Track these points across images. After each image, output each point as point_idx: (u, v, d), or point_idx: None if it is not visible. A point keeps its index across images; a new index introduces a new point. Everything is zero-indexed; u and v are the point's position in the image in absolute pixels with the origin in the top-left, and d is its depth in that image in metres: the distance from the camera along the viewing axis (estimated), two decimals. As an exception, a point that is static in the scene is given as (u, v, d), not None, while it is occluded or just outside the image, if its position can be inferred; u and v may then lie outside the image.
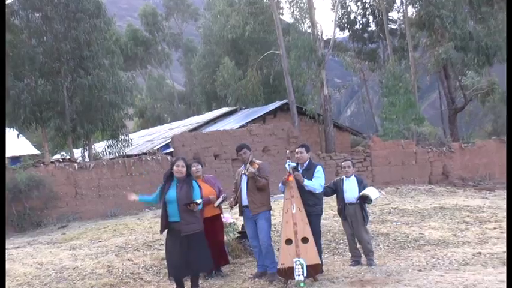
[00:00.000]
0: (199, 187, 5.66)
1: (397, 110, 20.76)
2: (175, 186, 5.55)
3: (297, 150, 6.49)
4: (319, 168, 6.39)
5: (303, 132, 20.52)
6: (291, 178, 6.19)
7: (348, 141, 22.84)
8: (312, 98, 22.56)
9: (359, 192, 6.78)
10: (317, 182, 6.23)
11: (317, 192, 6.23)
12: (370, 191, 6.78)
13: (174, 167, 5.58)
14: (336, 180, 7.02)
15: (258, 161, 6.48)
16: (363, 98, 33.18)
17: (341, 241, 8.26)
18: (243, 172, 6.34)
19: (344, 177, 6.94)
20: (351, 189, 6.84)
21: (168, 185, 5.58)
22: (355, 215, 6.79)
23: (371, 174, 18.04)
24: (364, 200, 6.77)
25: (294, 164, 6.38)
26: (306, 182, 6.17)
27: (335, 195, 6.99)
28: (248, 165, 6.24)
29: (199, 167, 6.52)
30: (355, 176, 6.98)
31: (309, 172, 6.33)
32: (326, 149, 20.17)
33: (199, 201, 5.45)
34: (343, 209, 6.84)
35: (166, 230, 5.56)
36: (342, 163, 7.10)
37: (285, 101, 21.88)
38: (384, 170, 18.19)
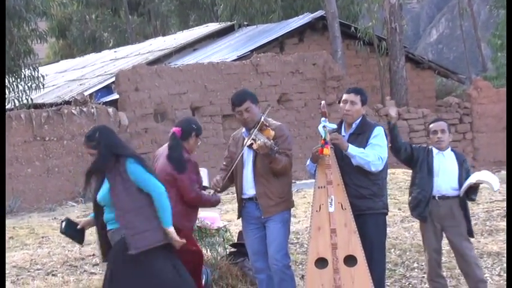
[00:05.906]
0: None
1: (522, 33, 20.59)
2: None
3: (344, 97, 6.43)
4: (379, 131, 6.35)
5: (352, 69, 20.52)
6: (326, 150, 6.16)
7: (431, 87, 22.83)
8: (368, 9, 22.42)
9: (459, 178, 6.67)
10: (373, 152, 6.19)
11: (373, 170, 6.20)
12: (488, 177, 6.66)
13: None
14: (419, 149, 6.87)
15: (273, 122, 6.44)
16: (460, 10, 32.87)
17: (415, 264, 8.31)
18: (246, 143, 6.28)
19: (434, 149, 6.86)
20: (446, 171, 6.69)
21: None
22: (452, 217, 6.68)
23: (471, 147, 18.04)
24: (470, 193, 6.69)
25: (334, 126, 6.35)
26: (352, 150, 6.14)
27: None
28: (256, 131, 6.18)
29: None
30: (452, 150, 6.90)
31: (360, 138, 6.32)
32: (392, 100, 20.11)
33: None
34: (425, 203, 6.71)
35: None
36: (431, 126, 6.95)
37: (319, 13, 21.82)
38: (494, 140, 18.13)
